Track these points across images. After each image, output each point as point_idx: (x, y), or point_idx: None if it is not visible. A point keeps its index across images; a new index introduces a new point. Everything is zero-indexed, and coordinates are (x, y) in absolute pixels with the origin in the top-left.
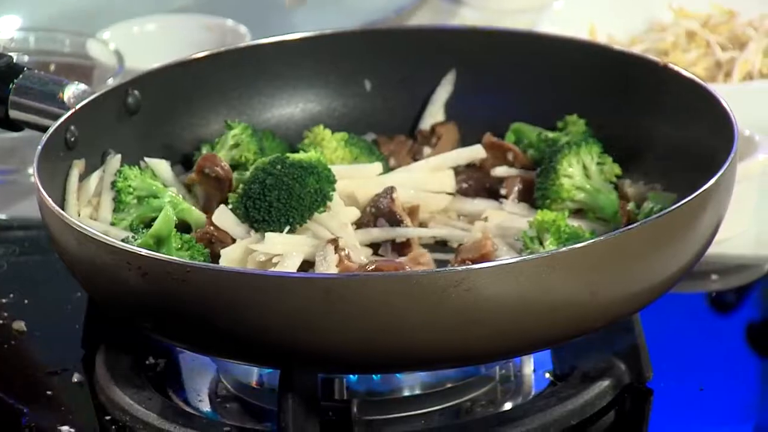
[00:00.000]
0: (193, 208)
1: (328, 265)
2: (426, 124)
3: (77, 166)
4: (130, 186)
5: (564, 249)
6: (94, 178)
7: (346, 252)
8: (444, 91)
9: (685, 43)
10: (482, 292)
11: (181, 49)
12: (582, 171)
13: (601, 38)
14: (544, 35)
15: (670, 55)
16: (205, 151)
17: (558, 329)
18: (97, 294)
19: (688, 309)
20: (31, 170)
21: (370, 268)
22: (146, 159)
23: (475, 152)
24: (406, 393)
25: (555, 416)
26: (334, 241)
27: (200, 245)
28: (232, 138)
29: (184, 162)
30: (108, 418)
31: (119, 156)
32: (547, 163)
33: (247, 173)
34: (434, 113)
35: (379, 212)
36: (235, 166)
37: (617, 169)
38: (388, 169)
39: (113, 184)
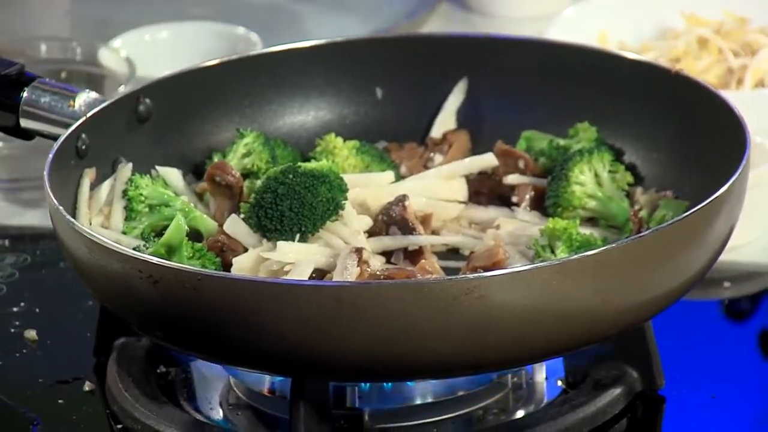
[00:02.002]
0: (205, 216)
1: (348, 275)
2: (437, 131)
3: (88, 175)
4: (141, 194)
5: (576, 256)
6: (106, 186)
7: (369, 264)
8: (455, 98)
9: (696, 50)
10: (494, 300)
11: (193, 57)
12: (594, 179)
13: (612, 45)
14: (555, 42)
15: (681, 62)
16: (216, 159)
17: (570, 337)
18: (109, 302)
19: (700, 316)
20: (42, 179)
21: (382, 276)
22: (157, 167)
23: (487, 160)
24: (418, 401)
25: (567, 424)
26: (359, 252)
27: (211, 254)
28: (243, 146)
29: (195, 171)
30: (120, 426)
31: (130, 164)
32: (559, 170)
33: (259, 182)
34: (446, 121)
35: (391, 220)
36: (247, 174)
37: (629, 177)
38: (399, 176)
39: (124, 192)
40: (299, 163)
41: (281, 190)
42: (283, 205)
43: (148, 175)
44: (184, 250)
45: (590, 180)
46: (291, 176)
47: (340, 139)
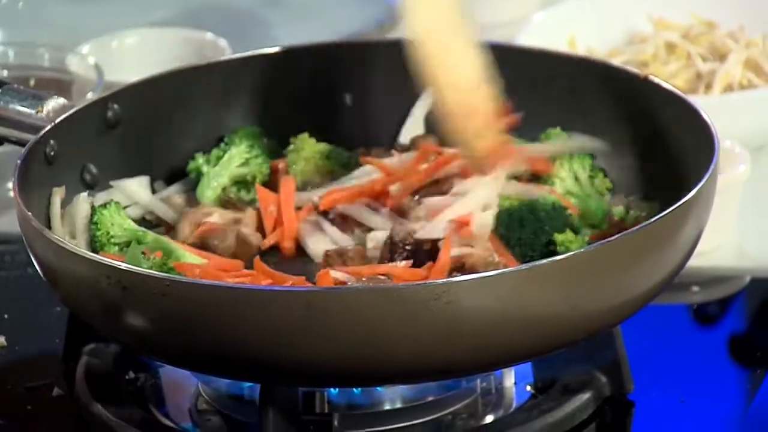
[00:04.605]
0: (187, 252)
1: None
2: (406, 137)
3: (58, 194)
4: (109, 234)
5: (544, 261)
6: (81, 210)
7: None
8: (423, 104)
9: (665, 55)
10: (463, 305)
11: (161, 63)
12: (573, 177)
13: (581, 50)
14: (523, 48)
15: (650, 66)
16: (201, 161)
17: (539, 342)
18: (77, 308)
19: (669, 321)
20: (11, 185)
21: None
22: (115, 183)
23: None
24: (387, 406)
25: (536, 429)
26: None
27: (174, 270)
28: (239, 155)
29: (165, 176)
30: None
31: (85, 194)
32: None
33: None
34: (414, 126)
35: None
36: (238, 182)
37: (608, 183)
38: None
39: (94, 237)
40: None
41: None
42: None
43: (114, 204)
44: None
45: (569, 177)
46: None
47: (312, 140)
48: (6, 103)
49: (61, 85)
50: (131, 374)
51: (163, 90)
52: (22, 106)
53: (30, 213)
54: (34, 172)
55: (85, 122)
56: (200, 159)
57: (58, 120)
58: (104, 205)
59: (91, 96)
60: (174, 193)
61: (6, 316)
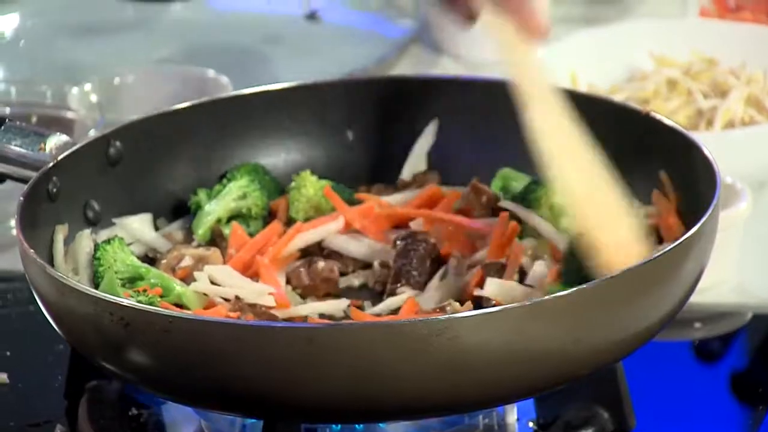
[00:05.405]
0: (188, 290)
1: None
2: (407, 173)
3: (61, 231)
4: (113, 270)
5: (547, 297)
6: (83, 248)
7: None
8: (426, 140)
9: (666, 92)
10: (465, 341)
11: (163, 100)
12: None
13: (582, 87)
14: None
15: (651, 103)
16: (202, 196)
17: (541, 377)
18: (80, 345)
19: (671, 357)
20: (13, 222)
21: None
22: (118, 221)
23: None
24: None
25: None
26: None
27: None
28: (237, 188)
29: (167, 213)
30: None
31: (88, 231)
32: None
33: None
34: (416, 162)
35: None
36: (236, 216)
37: None
38: None
39: (97, 273)
40: None
41: None
42: None
43: (117, 239)
44: None
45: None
46: None
47: (313, 178)
48: (8, 141)
49: (63, 123)
50: (134, 411)
51: (165, 127)
52: (24, 143)
53: (33, 250)
54: (37, 210)
55: (87, 159)
56: (202, 194)
57: (60, 157)
58: (107, 241)
59: (93, 133)
60: (176, 229)
61: (8, 353)
